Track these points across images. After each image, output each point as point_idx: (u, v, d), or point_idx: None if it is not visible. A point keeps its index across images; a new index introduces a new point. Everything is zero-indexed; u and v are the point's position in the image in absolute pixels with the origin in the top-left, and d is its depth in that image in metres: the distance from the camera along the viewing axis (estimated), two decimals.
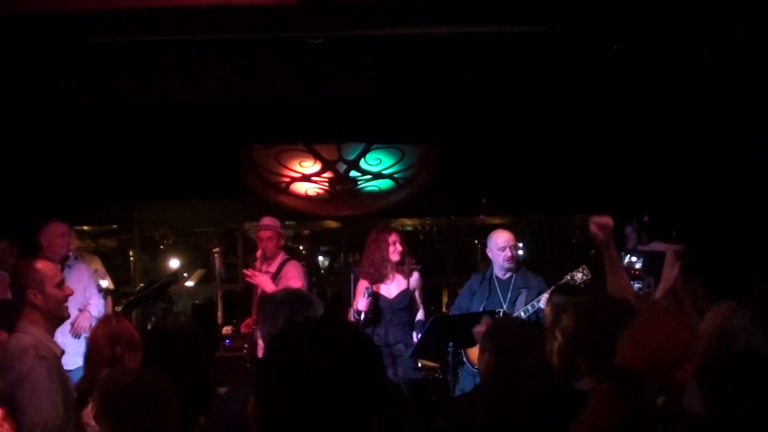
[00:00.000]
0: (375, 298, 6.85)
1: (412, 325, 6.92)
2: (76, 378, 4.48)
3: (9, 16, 5.87)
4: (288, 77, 6.77)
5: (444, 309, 9.58)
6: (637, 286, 6.58)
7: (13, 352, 3.73)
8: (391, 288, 6.96)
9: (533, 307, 6.27)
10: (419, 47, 6.82)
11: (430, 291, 9.91)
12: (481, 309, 6.48)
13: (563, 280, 6.17)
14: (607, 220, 3.96)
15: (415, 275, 7.07)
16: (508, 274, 6.62)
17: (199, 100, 6.98)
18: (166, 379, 3.09)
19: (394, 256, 6.91)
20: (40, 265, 4.02)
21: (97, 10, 5.87)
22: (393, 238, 6.97)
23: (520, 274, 6.63)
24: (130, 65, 6.81)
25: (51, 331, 4.01)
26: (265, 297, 3.76)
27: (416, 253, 10.08)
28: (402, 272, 6.99)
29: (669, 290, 3.97)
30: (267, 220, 7.42)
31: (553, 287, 6.01)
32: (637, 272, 6.93)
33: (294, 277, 7.05)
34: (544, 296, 6.14)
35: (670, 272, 4.02)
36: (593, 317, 2.84)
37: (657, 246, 6.78)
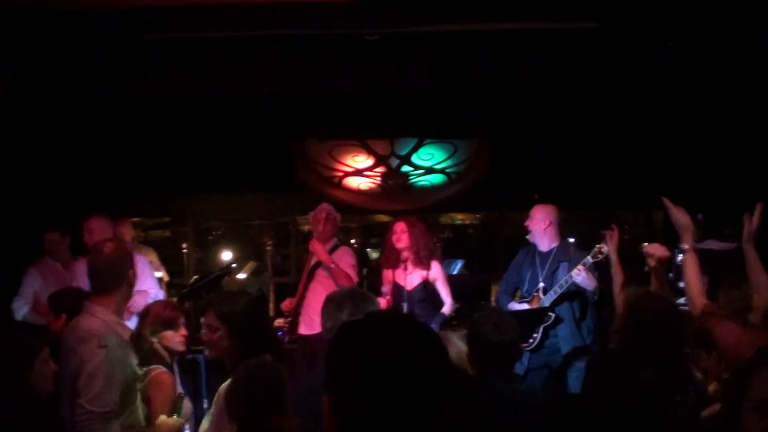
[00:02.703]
0: (396, 289, 6.94)
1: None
2: None
3: (69, 12, 5.99)
4: (343, 73, 6.84)
5: (492, 303, 9.56)
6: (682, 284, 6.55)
7: (80, 337, 3.77)
8: (410, 279, 6.97)
9: (567, 282, 6.22)
10: (473, 44, 6.84)
11: (479, 285, 9.93)
12: (526, 284, 6.59)
13: (591, 253, 6.03)
14: (661, 252, 4.07)
15: (434, 266, 7.06)
16: (550, 247, 6.59)
17: (255, 95, 7.08)
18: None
19: (398, 244, 6.97)
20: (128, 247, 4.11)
21: (154, 7, 5.98)
22: (398, 226, 7.03)
23: (562, 247, 6.58)
24: (188, 61, 6.92)
25: (121, 313, 4.04)
26: (328, 296, 3.82)
27: (465, 248, 10.13)
28: (420, 264, 7.01)
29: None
30: (324, 205, 7.54)
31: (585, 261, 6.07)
32: None
33: (346, 262, 7.14)
34: (575, 271, 6.13)
35: (683, 217, 4.06)
36: None
37: (711, 244, 6.77)
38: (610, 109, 7.68)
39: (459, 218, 11.64)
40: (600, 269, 6.15)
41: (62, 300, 5.12)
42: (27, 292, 6.79)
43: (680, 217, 4.11)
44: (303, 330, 7.13)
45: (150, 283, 7.04)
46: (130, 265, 3.99)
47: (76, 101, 7.25)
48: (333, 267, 7.01)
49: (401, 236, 6.96)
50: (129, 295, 4.10)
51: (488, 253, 10.02)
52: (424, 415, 1.60)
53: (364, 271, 8.79)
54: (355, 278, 7.09)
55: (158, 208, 9.95)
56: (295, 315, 7.22)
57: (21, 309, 6.76)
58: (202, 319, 3.83)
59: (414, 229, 7.03)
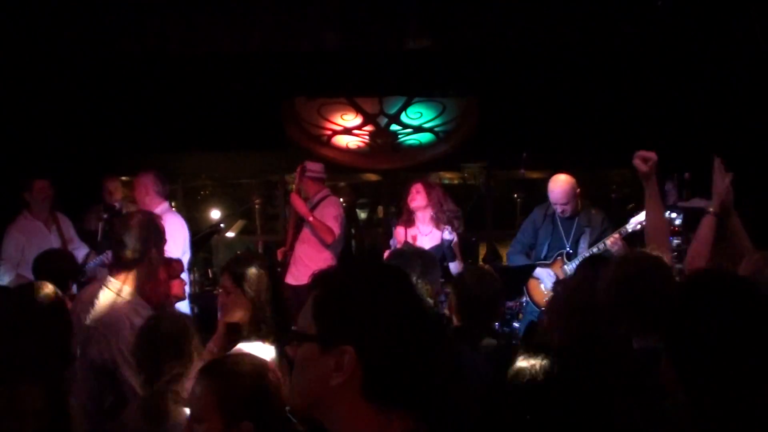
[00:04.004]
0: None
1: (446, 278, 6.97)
2: None
3: None
4: (332, 31, 6.82)
5: (480, 262, 9.60)
6: (676, 242, 6.59)
7: (108, 324, 3.70)
8: (426, 241, 7.02)
9: (599, 249, 6.13)
10: (461, 2, 6.82)
11: (468, 244, 9.97)
12: (545, 248, 6.55)
13: (630, 225, 6.03)
14: (651, 154, 4.02)
15: (448, 230, 7.09)
16: (574, 212, 6.51)
17: (244, 52, 7.05)
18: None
19: (413, 203, 7.00)
20: (159, 221, 3.99)
21: None
22: (415, 187, 7.06)
23: (584, 212, 6.53)
24: (177, 18, 6.88)
25: (143, 293, 3.92)
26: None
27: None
28: (437, 226, 7.04)
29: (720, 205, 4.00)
30: (310, 164, 7.61)
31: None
32: (677, 228, 6.92)
33: (328, 214, 7.25)
34: (611, 238, 6.09)
35: (722, 183, 4.04)
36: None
37: (697, 202, 6.80)
38: (599, 66, 7.68)
39: (447, 177, 11.64)
40: None
41: (47, 262, 5.12)
42: (11, 254, 6.66)
43: (721, 182, 4.09)
44: (290, 280, 7.27)
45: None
46: (157, 242, 3.87)
47: (63, 58, 7.19)
48: (312, 221, 7.12)
49: (415, 196, 7.00)
50: (152, 274, 3.97)
51: (476, 212, 10.03)
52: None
53: (352, 230, 8.83)
54: (336, 230, 7.17)
55: (147, 167, 9.89)
56: (283, 266, 7.33)
57: (6, 273, 6.57)
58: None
59: (432, 191, 7.07)
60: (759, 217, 4.37)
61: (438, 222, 7.03)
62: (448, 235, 6.87)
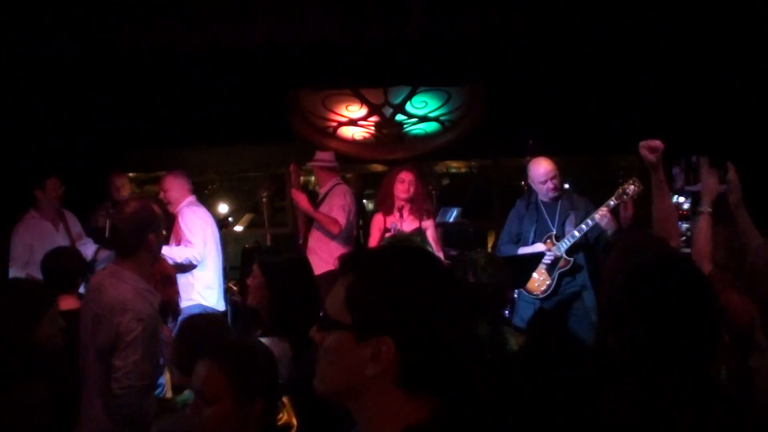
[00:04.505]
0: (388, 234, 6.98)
1: None
2: None
3: None
4: (336, 21, 6.80)
5: (489, 250, 9.60)
6: (684, 226, 6.59)
7: (112, 306, 3.74)
8: (404, 226, 7.01)
9: (587, 225, 6.24)
10: None
11: (475, 233, 9.95)
12: (531, 234, 6.60)
13: (615, 194, 6.15)
14: (658, 143, 4.03)
15: (429, 223, 7.13)
16: (555, 196, 6.61)
17: (248, 44, 7.04)
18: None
19: (401, 194, 7.00)
20: (156, 207, 4.01)
21: None
22: (402, 176, 7.07)
23: (566, 197, 6.63)
24: (181, 10, 6.86)
25: (148, 278, 3.99)
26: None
27: (462, 196, 10.11)
28: (415, 214, 7.04)
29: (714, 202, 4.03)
30: (320, 154, 7.73)
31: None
32: (684, 212, 6.91)
33: (335, 203, 7.31)
34: (600, 212, 6.17)
35: (710, 182, 4.07)
36: None
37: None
38: (606, 53, 7.65)
39: (454, 166, 11.63)
40: None
41: (55, 260, 5.12)
42: (20, 254, 6.65)
43: (708, 181, 4.12)
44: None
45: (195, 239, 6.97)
46: (153, 228, 3.90)
47: (69, 53, 7.19)
48: (315, 214, 7.14)
49: (410, 187, 6.99)
50: (154, 260, 4.04)
51: (484, 200, 10.02)
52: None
53: (360, 222, 8.82)
54: (342, 221, 7.17)
55: (153, 162, 9.93)
56: None
57: (15, 274, 6.52)
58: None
59: (420, 180, 7.09)
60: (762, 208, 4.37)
61: (421, 211, 7.05)
62: (427, 223, 6.96)
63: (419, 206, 7.07)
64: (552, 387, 2.06)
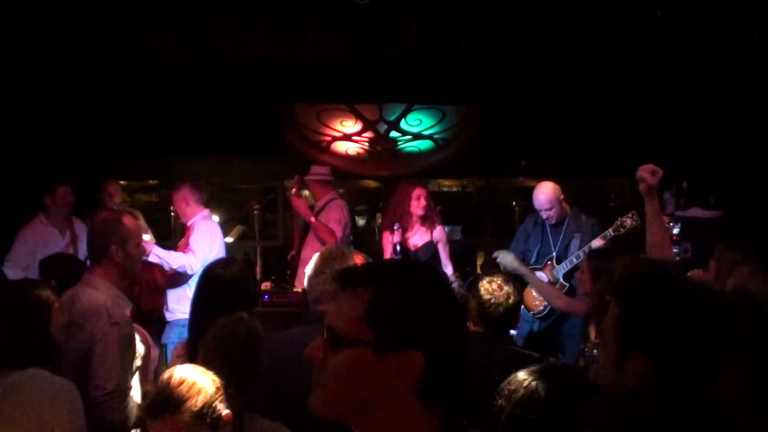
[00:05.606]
0: (403, 249, 7.00)
1: None
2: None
3: None
4: (333, 37, 6.82)
5: (478, 270, 9.61)
6: (674, 250, 6.61)
7: (86, 311, 3.74)
8: (415, 240, 7.11)
9: (584, 253, 6.14)
10: (463, 9, 6.83)
11: (466, 252, 9.97)
12: (535, 253, 6.63)
13: (613, 226, 6.13)
14: (656, 168, 4.06)
15: (439, 228, 7.20)
16: (562, 218, 6.57)
17: (244, 57, 7.05)
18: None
19: (418, 211, 7.08)
20: (127, 221, 4.01)
21: None
22: (417, 192, 7.14)
23: (573, 217, 6.57)
24: (177, 23, 6.87)
25: (121, 286, 4.01)
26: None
27: (454, 214, 10.13)
28: (425, 225, 7.10)
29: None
30: (316, 168, 7.82)
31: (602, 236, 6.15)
32: (674, 237, 6.95)
33: (332, 217, 7.38)
34: (595, 242, 6.16)
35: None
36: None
37: (695, 212, 6.84)
38: (599, 76, 7.68)
39: (446, 185, 11.66)
40: None
41: (54, 266, 5.11)
42: (20, 256, 6.69)
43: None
44: (298, 284, 7.34)
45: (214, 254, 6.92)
46: (117, 240, 3.91)
47: (63, 62, 7.19)
48: (313, 222, 7.17)
49: (423, 202, 7.06)
50: (128, 270, 4.03)
51: (475, 219, 10.05)
52: None
53: (351, 237, 8.84)
54: (338, 233, 7.21)
55: (146, 172, 9.93)
56: (293, 269, 7.40)
57: (10, 275, 6.49)
58: None
59: (429, 197, 7.22)
60: (757, 226, 4.40)
61: (431, 223, 7.11)
62: (440, 233, 7.00)
63: (431, 219, 7.15)
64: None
